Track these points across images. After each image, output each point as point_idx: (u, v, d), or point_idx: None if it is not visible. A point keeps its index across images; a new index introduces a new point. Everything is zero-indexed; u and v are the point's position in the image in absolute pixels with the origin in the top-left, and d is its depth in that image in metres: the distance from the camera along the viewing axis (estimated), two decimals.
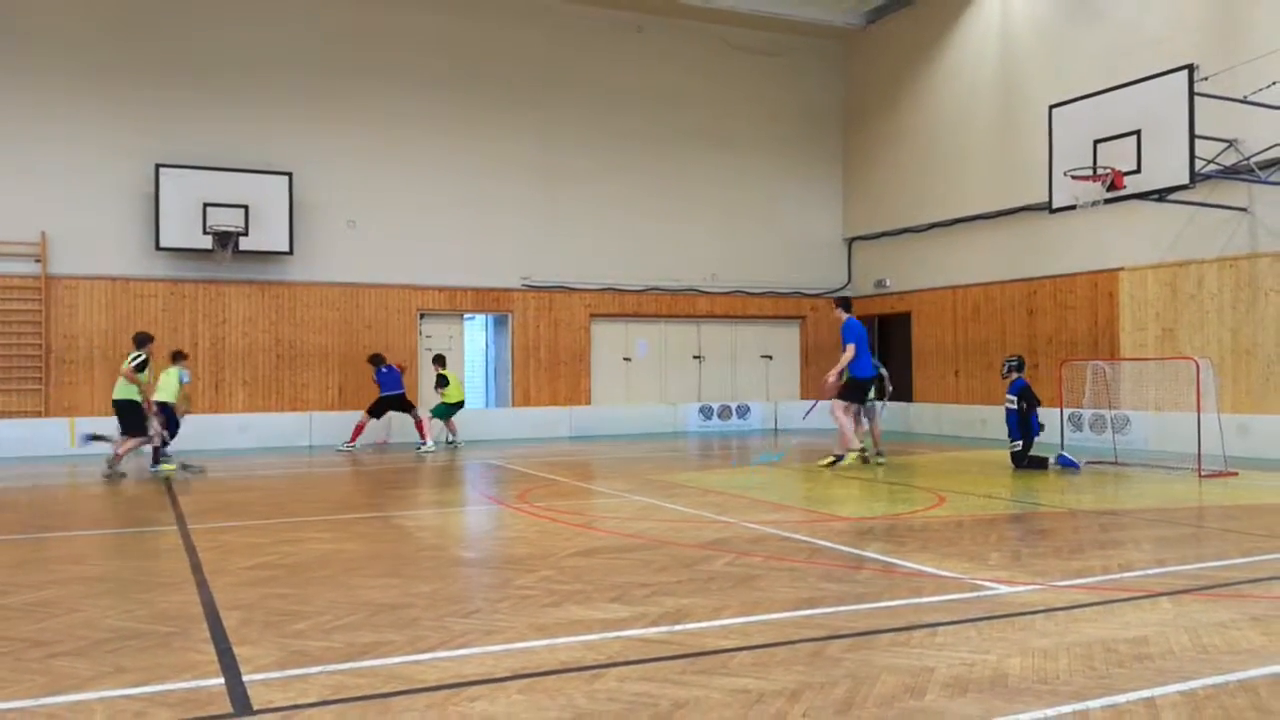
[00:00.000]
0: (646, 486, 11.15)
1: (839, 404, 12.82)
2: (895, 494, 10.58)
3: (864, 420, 13.53)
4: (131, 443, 12.75)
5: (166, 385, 13.19)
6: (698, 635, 4.83)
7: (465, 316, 20.23)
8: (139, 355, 12.75)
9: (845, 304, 13.50)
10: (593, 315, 20.62)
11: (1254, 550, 7.07)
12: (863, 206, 22.66)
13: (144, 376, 12.70)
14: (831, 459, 12.82)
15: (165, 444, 13.20)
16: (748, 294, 22.20)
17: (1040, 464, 12.39)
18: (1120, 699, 3.89)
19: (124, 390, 12.67)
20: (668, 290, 21.39)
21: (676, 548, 7.22)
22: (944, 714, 3.75)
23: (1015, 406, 12.59)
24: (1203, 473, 11.48)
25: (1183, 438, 12.98)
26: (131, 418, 12.66)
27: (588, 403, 20.42)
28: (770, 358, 22.58)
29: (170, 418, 13.24)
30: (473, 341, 21.02)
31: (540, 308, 20.06)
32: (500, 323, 20.41)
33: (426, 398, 18.04)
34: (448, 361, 17.59)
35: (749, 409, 21.87)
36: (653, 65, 21.36)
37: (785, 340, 22.78)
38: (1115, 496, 10.31)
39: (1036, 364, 17.57)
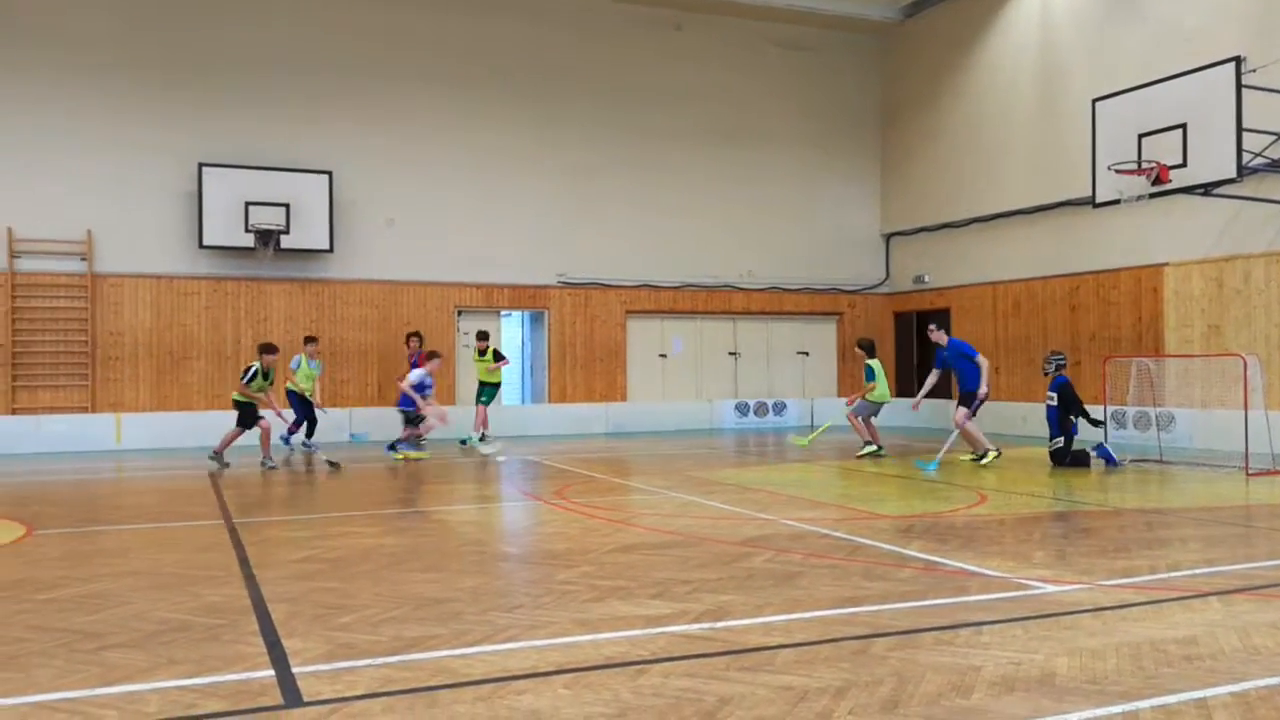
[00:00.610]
0: (684, 483, 11.16)
1: (963, 412, 13.08)
2: (936, 492, 10.50)
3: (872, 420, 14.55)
4: (231, 435, 13.37)
5: (298, 374, 14.55)
6: (740, 632, 4.83)
7: (502, 313, 20.34)
8: (251, 368, 13.42)
9: (943, 325, 14.32)
10: (628, 312, 20.63)
11: None
12: (901, 202, 22.48)
13: (255, 385, 13.25)
14: (975, 456, 13.05)
15: (292, 433, 14.37)
16: (784, 290, 22.10)
17: (1083, 461, 12.24)
18: (1171, 699, 3.85)
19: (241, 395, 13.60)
20: (703, 287, 21.36)
21: (716, 544, 7.22)
22: (991, 713, 3.72)
23: (1055, 403, 12.46)
24: (1250, 471, 11.28)
25: (1229, 435, 12.77)
26: (242, 415, 13.36)
27: (624, 399, 20.45)
28: (807, 354, 22.47)
29: (299, 406, 14.43)
30: (510, 338, 21.12)
31: (576, 304, 20.11)
32: (537, 319, 20.49)
33: (464, 394, 18.16)
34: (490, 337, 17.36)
35: (785, 406, 21.79)
36: (690, 62, 21.32)
37: (822, 337, 22.66)
38: (1160, 495, 10.16)
39: (1079, 360, 17.35)
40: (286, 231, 17.21)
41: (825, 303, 22.51)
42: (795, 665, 4.30)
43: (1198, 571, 6.24)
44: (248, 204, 17.06)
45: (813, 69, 22.50)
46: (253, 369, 13.24)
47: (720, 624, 4.98)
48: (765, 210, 21.86)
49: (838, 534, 7.67)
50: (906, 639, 4.70)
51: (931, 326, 14.39)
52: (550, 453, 15.32)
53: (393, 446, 14.32)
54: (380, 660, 4.40)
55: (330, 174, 17.79)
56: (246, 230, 17.00)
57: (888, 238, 22.93)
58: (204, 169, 17.04)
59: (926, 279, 21.61)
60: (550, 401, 19.84)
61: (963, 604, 5.39)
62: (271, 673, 4.24)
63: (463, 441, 16.41)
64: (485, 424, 16.31)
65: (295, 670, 4.26)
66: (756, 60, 21.94)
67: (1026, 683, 4.05)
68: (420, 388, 13.91)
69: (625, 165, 20.63)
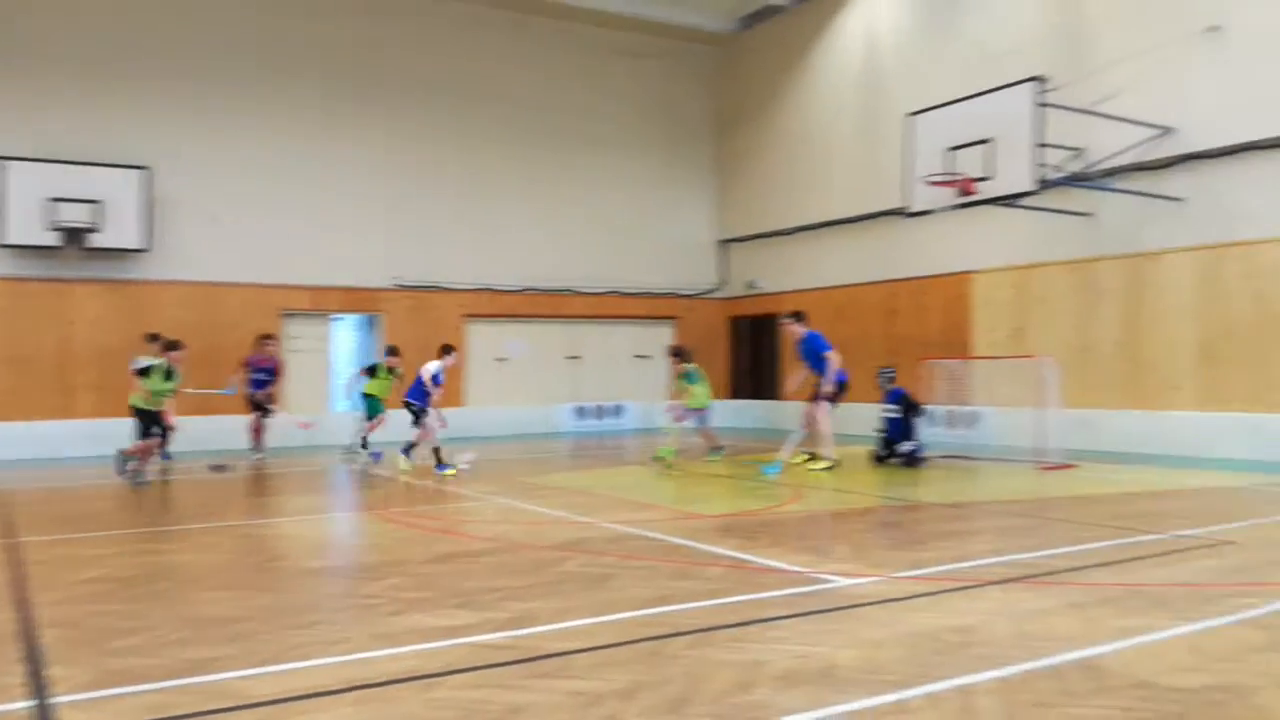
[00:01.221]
0: (512, 488, 11.09)
1: (824, 406, 12.86)
2: (756, 491, 10.79)
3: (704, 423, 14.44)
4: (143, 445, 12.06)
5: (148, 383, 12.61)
6: (541, 639, 4.83)
7: (333, 317, 19.73)
8: (147, 364, 12.29)
9: (801, 316, 13.56)
10: (466, 316, 20.38)
11: (1082, 540, 7.48)
12: (735, 209, 23.06)
13: (154, 384, 11.84)
14: (808, 456, 13.00)
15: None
16: (623, 294, 22.31)
17: (918, 462, 12.79)
18: (939, 686, 4.05)
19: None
20: (543, 290, 21.33)
21: (532, 550, 7.20)
22: (771, 707, 3.84)
23: (899, 414, 13.01)
24: (1044, 466, 12.10)
25: (1029, 432, 13.66)
26: (144, 422, 12.04)
27: (461, 404, 20.16)
28: (647, 357, 22.74)
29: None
30: (342, 343, 20.50)
31: (412, 308, 19.72)
32: (370, 324, 19.98)
33: (292, 401, 17.51)
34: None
35: (624, 409, 21.98)
36: (529, 65, 21.27)
37: (660, 340, 22.95)
38: (961, 490, 10.77)
39: (898, 364, 18.17)
40: (96, 229, 16.18)
41: (663, 307, 22.85)
42: (591, 669, 4.33)
43: (983, 562, 6.62)
44: (54, 200, 15.96)
45: (651, 77, 22.82)
46: (150, 364, 11.95)
47: (522, 631, 4.96)
48: (605, 214, 22.03)
49: (655, 535, 7.77)
50: (702, 637, 4.80)
51: (784, 319, 13.81)
52: (381, 461, 14.94)
53: (438, 462, 12.98)
54: (155, 685, 4.17)
55: (148, 170, 16.84)
56: (51, 228, 15.90)
57: (723, 244, 23.47)
58: (6, 163, 15.84)
59: (759, 284, 22.23)
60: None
61: (761, 600, 5.55)
62: (28, 704, 3.96)
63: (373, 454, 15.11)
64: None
65: (56, 700, 3.99)
66: (597, 66, 22.08)
67: (809, 675, 4.20)
68: (435, 382, 13.20)
69: (464, 167, 20.39)
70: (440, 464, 12.82)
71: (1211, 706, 3.74)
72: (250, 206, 18.19)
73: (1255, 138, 13.40)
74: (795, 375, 13.65)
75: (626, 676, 4.21)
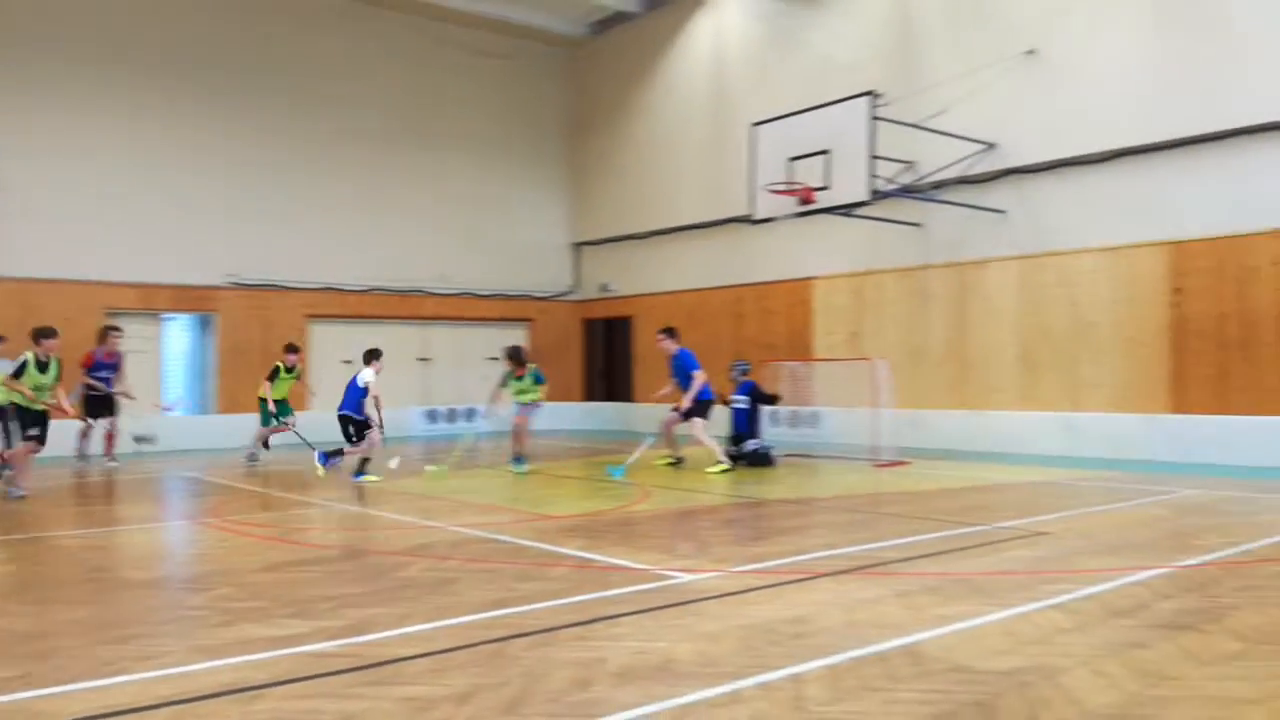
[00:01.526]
0: (356, 494, 10.79)
1: (698, 423, 12.89)
2: (605, 491, 10.85)
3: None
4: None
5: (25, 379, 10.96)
6: (377, 646, 4.71)
7: (164, 317, 18.73)
8: (22, 359, 10.58)
9: (673, 333, 13.55)
10: (309, 316, 19.72)
11: (911, 533, 7.84)
12: (589, 212, 23.15)
13: (30, 380, 10.45)
14: (672, 461, 13.15)
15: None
16: (476, 296, 22.06)
17: (766, 460, 13.08)
18: (772, 676, 4.16)
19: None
20: (393, 291, 20.86)
21: (374, 556, 7.03)
22: (607, 703, 3.86)
23: (746, 407, 13.30)
24: (879, 463, 12.63)
25: (865, 431, 14.24)
26: (23, 422, 10.66)
27: (303, 408, 19.46)
28: (499, 359, 22.51)
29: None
30: (173, 343, 19.46)
31: (250, 307, 18.93)
32: (204, 324, 19.07)
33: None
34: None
35: (476, 412, 21.70)
36: (381, 61, 20.80)
37: (513, 341, 22.81)
38: (801, 487, 11.13)
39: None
40: None
41: (516, 309, 22.72)
42: (427, 674, 4.25)
43: (819, 555, 6.86)
44: None
45: (506, 76, 22.66)
46: (23, 361, 10.55)
47: (358, 639, 4.82)
48: (458, 215, 21.74)
49: (502, 538, 7.71)
50: (544, 637, 4.79)
51: (660, 335, 13.67)
52: (214, 468, 14.29)
53: (360, 472, 12.03)
54: None
55: None
56: None
57: (577, 247, 23.53)
58: None
59: (612, 288, 22.39)
60: (219, 412, 18.52)
61: (604, 598, 5.58)
62: None
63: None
64: (266, 443, 14.90)
65: None
66: (449, 63, 21.78)
67: (646, 671, 4.25)
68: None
69: (309, 163, 19.75)
70: (361, 471, 11.99)
71: (1022, 687, 3.98)
72: (73, 199, 17.09)
73: (1069, 155, 14.39)
74: (664, 388, 13.69)
75: (464, 680, 4.15)
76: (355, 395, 12.36)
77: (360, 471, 12.00)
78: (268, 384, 14.48)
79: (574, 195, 23.58)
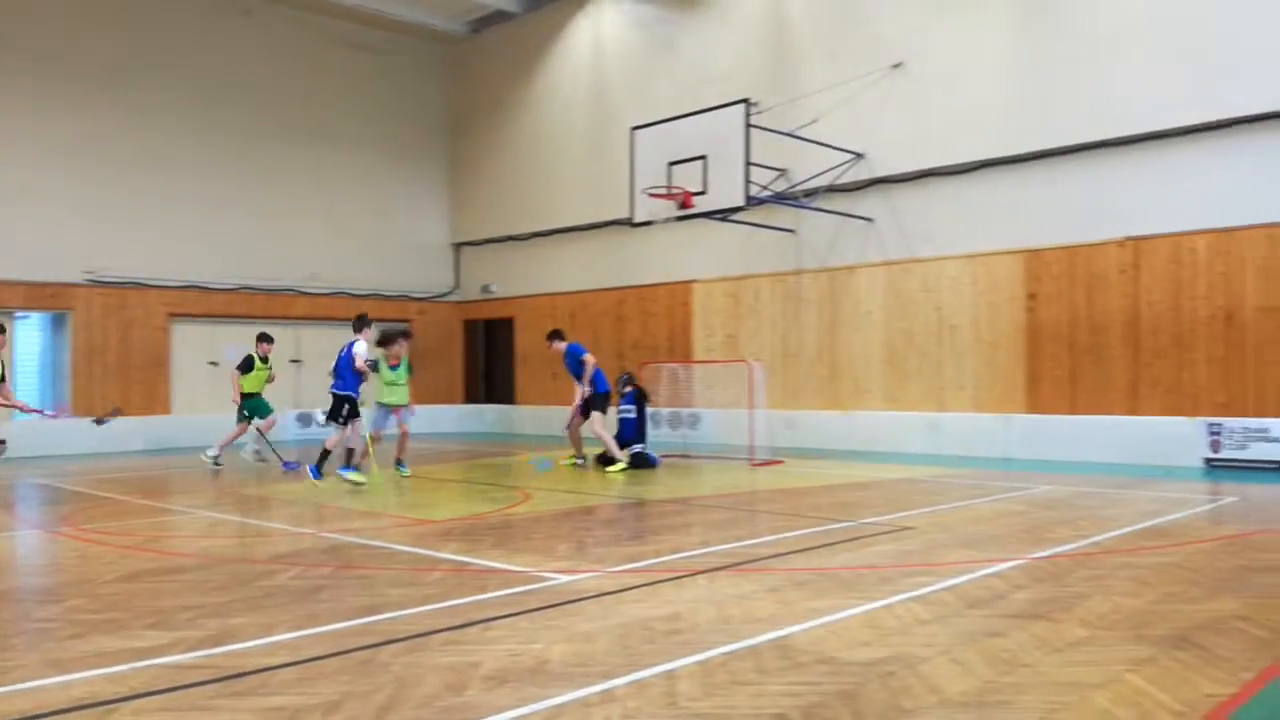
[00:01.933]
0: (223, 501, 10.40)
1: (597, 419, 12.75)
2: (484, 494, 10.76)
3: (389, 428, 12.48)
4: None
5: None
6: (240, 656, 4.55)
7: (17, 315, 17.67)
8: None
9: (560, 334, 13.46)
10: (172, 315, 18.92)
11: (783, 529, 8.05)
12: (470, 212, 22.91)
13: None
14: (574, 461, 13.06)
15: None
16: (352, 295, 21.55)
17: (649, 463, 13.16)
18: (645, 674, 4.21)
19: None
20: (263, 290, 20.19)
21: (240, 564, 6.79)
22: (479, 707, 3.83)
23: (633, 416, 13.34)
24: (754, 462, 12.90)
25: (743, 431, 14.52)
26: None
27: (167, 412, 18.70)
28: (374, 362, 22.02)
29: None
30: (26, 343, 18.38)
31: (109, 306, 18.05)
32: (58, 322, 18.07)
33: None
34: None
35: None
36: (256, 53, 20.16)
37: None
38: (679, 486, 11.27)
39: (627, 368, 18.76)
40: None
41: (395, 309, 22.27)
42: (293, 684, 4.13)
43: (695, 553, 6.96)
44: None
45: (385, 72, 22.23)
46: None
47: (220, 649, 4.66)
48: (332, 212, 21.20)
49: (376, 543, 7.56)
50: (417, 642, 4.72)
51: (548, 341, 13.49)
52: (68, 474, 13.55)
53: (347, 465, 10.97)
54: None
55: None
56: None
57: (457, 247, 23.25)
58: None
59: (493, 289, 22.21)
60: (74, 415, 17.54)
61: (479, 602, 5.54)
62: None
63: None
64: (230, 443, 13.88)
65: None
66: (329, 58, 21.25)
67: (520, 673, 4.24)
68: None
69: (176, 156, 18.98)
70: (350, 464, 11.06)
71: (885, 676, 4.13)
72: None
73: (933, 165, 15.00)
74: (577, 390, 13.18)
75: (332, 689, 4.06)
76: (350, 370, 10.94)
77: (349, 464, 10.98)
78: (237, 375, 13.54)
79: (454, 195, 23.29)
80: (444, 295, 23.13)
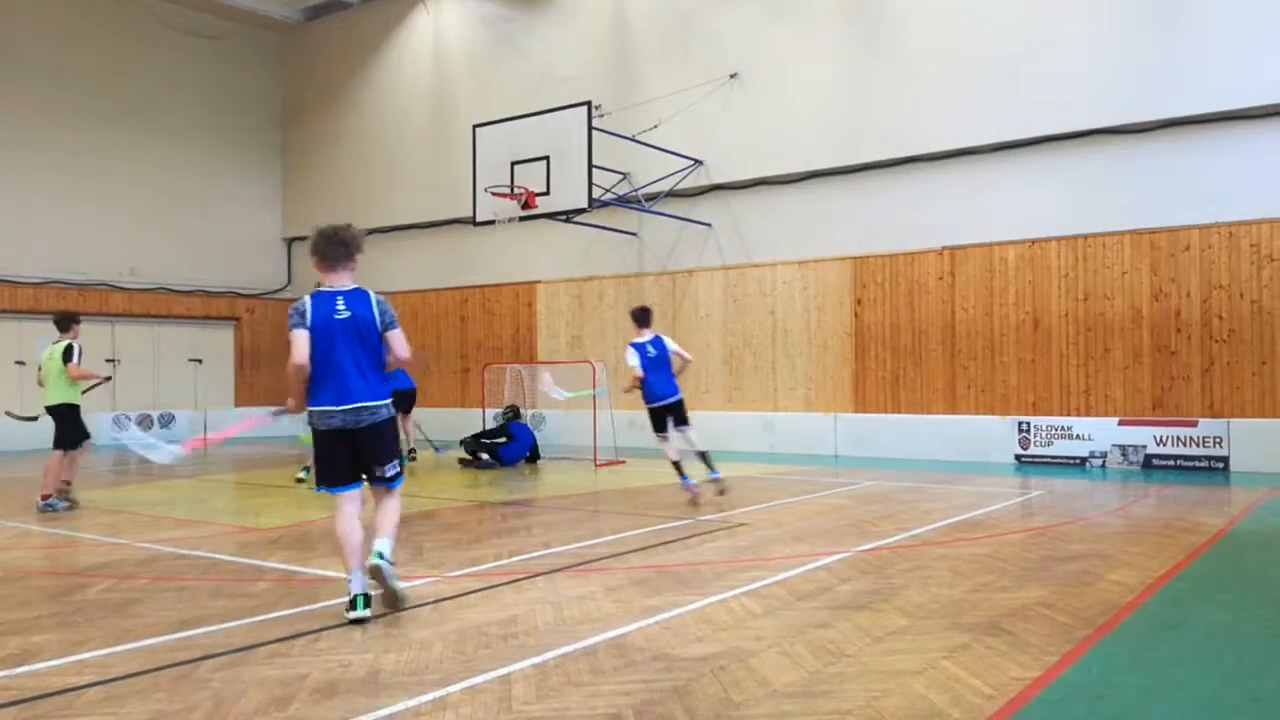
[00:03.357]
0: (24, 509, 9.65)
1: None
2: (317, 499, 10.37)
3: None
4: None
5: None
6: (44, 676, 4.25)
7: None
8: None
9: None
10: None
11: (623, 528, 8.12)
12: (303, 206, 22.09)
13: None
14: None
15: None
16: (174, 292, 20.43)
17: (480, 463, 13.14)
18: (480, 679, 4.17)
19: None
20: (74, 284, 18.88)
21: (46, 578, 6.33)
22: None
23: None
24: (599, 462, 12.97)
25: (587, 432, 14.57)
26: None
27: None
28: (200, 361, 20.99)
29: None
30: None
31: None
32: None
33: None
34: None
35: (174, 418, 20.10)
36: (76, 30, 18.81)
37: (217, 343, 21.35)
38: (523, 488, 11.22)
39: (468, 368, 18.52)
40: None
41: (222, 306, 21.27)
42: (101, 704, 3.89)
43: (535, 554, 6.94)
44: None
45: (212, 58, 21.17)
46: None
47: (22, 669, 4.34)
48: (154, 203, 20.05)
49: (198, 553, 7.19)
50: (239, 656, 4.52)
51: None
52: None
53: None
54: None
55: None
56: None
57: (289, 242, 22.38)
58: None
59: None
60: None
61: (308, 612, 5.35)
62: None
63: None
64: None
65: None
66: (152, 40, 20.09)
67: (350, 684, 4.12)
68: None
69: None
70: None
71: (717, 671, 4.23)
72: None
73: (766, 174, 15.48)
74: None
75: (144, 708, 3.84)
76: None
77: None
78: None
79: (287, 188, 22.42)
80: (275, 292, 22.23)
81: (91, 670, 4.34)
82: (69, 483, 9.75)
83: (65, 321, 10.22)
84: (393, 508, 5.46)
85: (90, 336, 19.24)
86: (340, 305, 5.37)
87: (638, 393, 9.49)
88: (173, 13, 20.39)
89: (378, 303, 5.46)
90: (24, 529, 8.49)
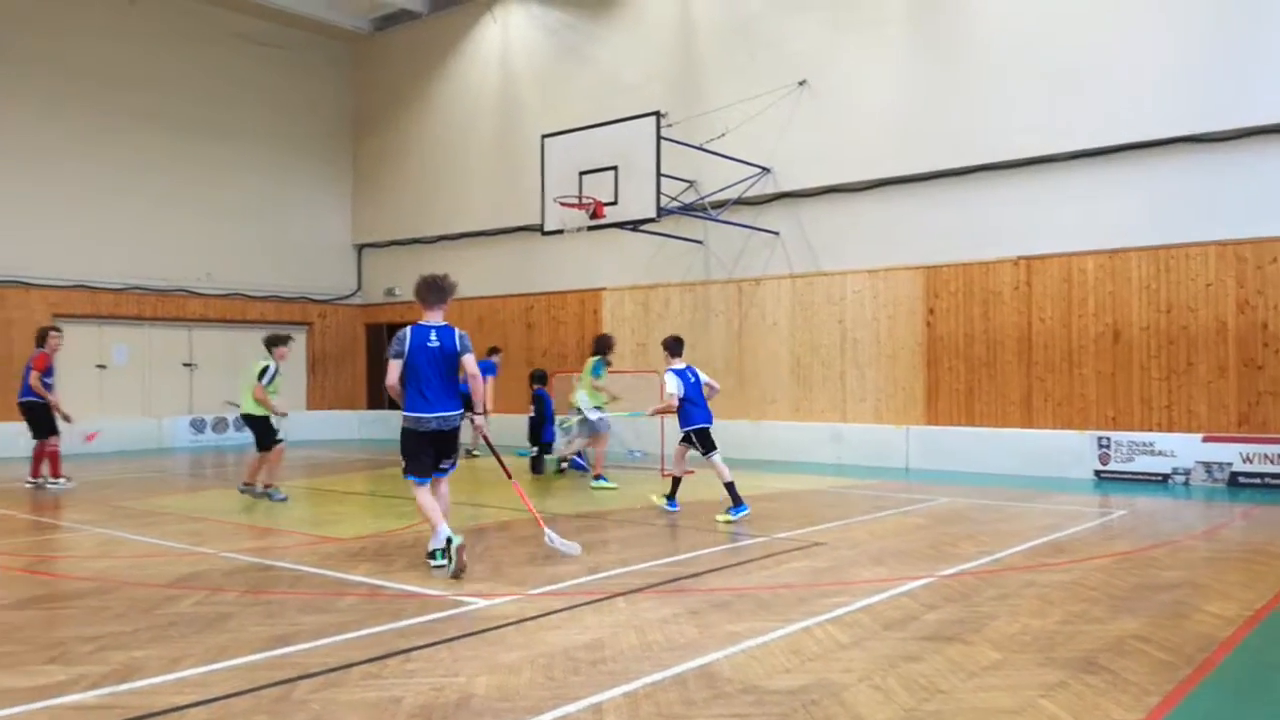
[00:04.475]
0: (113, 516, 9.94)
1: None
2: (392, 508, 10.53)
3: None
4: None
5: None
6: (148, 694, 4.36)
7: None
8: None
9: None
10: (56, 315, 17.99)
11: (698, 545, 8.10)
12: (373, 213, 22.44)
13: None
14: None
15: None
16: (249, 297, 20.88)
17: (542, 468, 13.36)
18: (572, 708, 4.17)
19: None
20: (153, 290, 19.40)
21: (138, 589, 6.50)
22: None
23: (534, 415, 13.57)
24: (665, 473, 12.93)
25: (654, 440, 14.57)
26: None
27: None
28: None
29: None
30: None
31: None
32: None
33: None
34: None
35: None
36: (154, 44, 19.38)
37: (290, 348, 21.73)
38: (592, 499, 11.24)
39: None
40: None
41: (294, 312, 21.68)
42: None
43: (613, 573, 6.95)
44: None
45: (285, 68, 21.60)
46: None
47: (126, 686, 4.45)
48: (230, 210, 20.50)
49: (282, 564, 7.33)
50: (334, 677, 4.59)
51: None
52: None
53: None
54: None
55: None
56: None
57: (359, 248, 22.75)
58: None
59: (398, 292, 21.79)
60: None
61: (397, 630, 5.42)
62: None
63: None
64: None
65: None
66: (225, 52, 20.54)
67: (444, 710, 4.16)
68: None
69: (59, 149, 18.08)
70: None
71: (809, 706, 4.18)
72: None
73: (836, 182, 15.33)
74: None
75: None
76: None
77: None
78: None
79: (357, 195, 22.78)
80: (346, 298, 22.61)
81: (193, 689, 4.44)
82: (269, 484, 10.81)
83: (271, 343, 11.01)
84: (445, 492, 7.34)
85: (168, 341, 19.88)
86: (432, 337, 7.00)
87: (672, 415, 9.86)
88: (246, 23, 20.83)
89: (460, 337, 7.09)
90: (114, 536, 8.72)
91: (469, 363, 7.00)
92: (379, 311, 22.31)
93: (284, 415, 11.25)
